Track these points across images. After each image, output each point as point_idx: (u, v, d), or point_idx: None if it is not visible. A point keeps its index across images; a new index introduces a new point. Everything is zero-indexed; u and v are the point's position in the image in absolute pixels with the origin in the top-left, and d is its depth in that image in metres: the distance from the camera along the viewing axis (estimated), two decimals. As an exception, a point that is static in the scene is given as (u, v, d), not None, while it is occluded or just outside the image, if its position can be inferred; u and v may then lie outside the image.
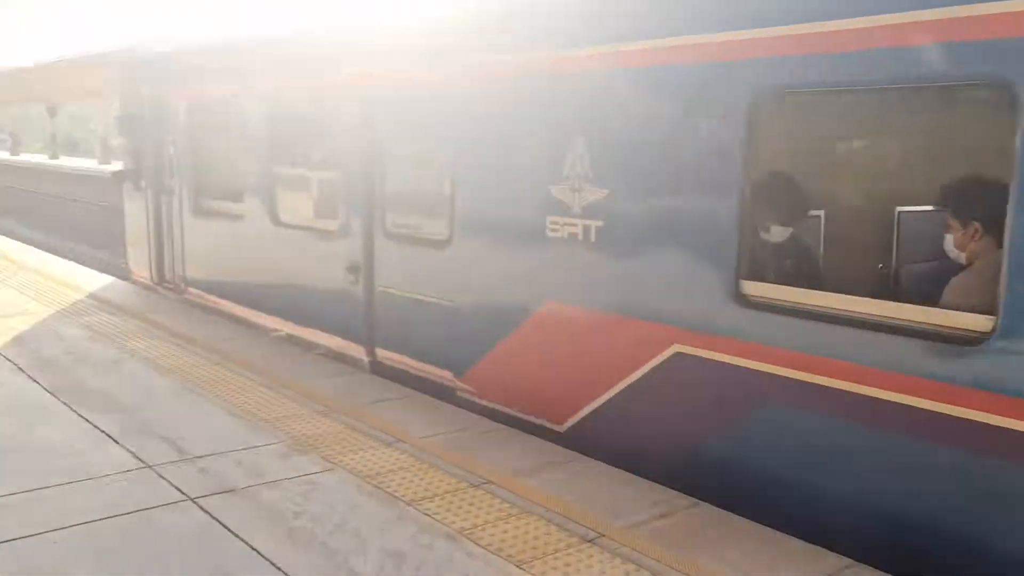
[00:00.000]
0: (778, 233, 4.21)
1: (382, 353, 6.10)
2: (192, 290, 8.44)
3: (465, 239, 5.23)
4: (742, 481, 3.83)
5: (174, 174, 8.52)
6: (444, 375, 5.51)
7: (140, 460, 3.99)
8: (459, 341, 5.35)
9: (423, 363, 5.70)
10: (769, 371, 3.68)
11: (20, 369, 5.49)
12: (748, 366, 3.75)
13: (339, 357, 6.27)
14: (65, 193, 41.05)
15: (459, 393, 5.38)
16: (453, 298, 5.35)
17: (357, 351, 6.27)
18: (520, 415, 4.92)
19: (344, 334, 6.42)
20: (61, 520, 3.32)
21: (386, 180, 5.91)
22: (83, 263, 12.04)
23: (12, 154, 63.83)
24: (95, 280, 9.40)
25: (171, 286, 8.83)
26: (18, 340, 6.29)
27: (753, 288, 3.75)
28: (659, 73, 4.06)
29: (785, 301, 3.65)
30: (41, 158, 59.51)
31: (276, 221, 7.00)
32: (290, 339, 6.75)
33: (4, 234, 16.95)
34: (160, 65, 8.85)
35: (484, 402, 5.17)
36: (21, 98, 59.13)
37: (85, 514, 3.39)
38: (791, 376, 3.61)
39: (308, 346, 6.49)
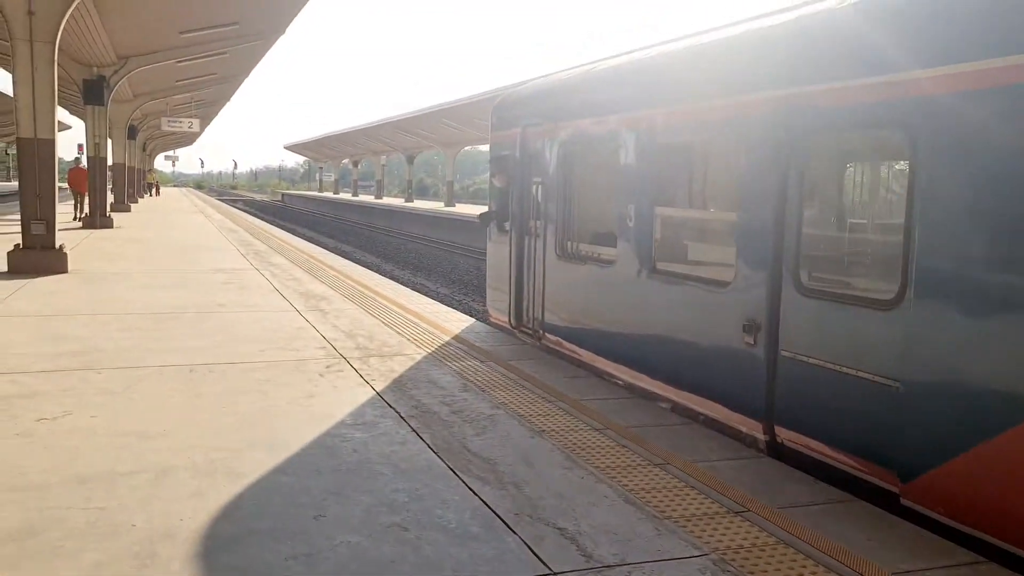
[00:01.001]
0: None
1: (785, 433, 5.00)
2: (550, 336, 8.03)
3: (931, 298, 3.99)
4: None
5: (539, 215, 8.22)
6: (879, 474, 4.27)
7: (543, 563, 3.31)
8: (912, 432, 4.09)
9: (846, 454, 4.51)
10: None
11: (403, 419, 5.26)
12: None
13: (716, 426, 5.30)
14: (418, 233, 45.57)
15: (905, 501, 4.11)
16: (903, 373, 4.11)
17: (749, 426, 5.24)
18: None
19: (732, 404, 5.44)
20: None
21: (804, 222, 4.86)
22: (437, 299, 12.66)
23: (376, 198, 73.20)
24: (454, 320, 9.44)
25: (528, 331, 8.53)
26: (399, 384, 6.18)
27: None
28: None
29: None
30: (399, 201, 67.44)
31: (651, 269, 6.26)
32: (661, 400, 5.92)
33: (371, 268, 18.75)
34: (530, 104, 8.69)
35: (954, 523, 3.85)
36: (387, 148, 67.42)
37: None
38: None
39: (681, 409, 5.61)
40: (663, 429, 5.27)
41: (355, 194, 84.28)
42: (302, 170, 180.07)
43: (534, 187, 8.62)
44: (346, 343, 7.74)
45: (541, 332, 8.24)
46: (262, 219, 40.31)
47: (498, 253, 9.42)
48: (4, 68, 13.88)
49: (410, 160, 67.73)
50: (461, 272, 29.03)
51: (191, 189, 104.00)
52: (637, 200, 6.48)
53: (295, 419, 5.21)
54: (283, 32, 23.29)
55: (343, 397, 5.80)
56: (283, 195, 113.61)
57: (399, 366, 6.81)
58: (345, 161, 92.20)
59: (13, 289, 10.54)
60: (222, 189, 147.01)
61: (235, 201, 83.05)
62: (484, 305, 21.75)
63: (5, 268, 12.22)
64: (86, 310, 9.15)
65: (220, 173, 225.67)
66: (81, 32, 19.15)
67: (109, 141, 27.53)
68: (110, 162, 29.08)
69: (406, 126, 54.12)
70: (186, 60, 25.32)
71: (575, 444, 4.85)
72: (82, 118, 24.48)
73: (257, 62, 29.66)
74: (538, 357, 7.48)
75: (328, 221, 60.97)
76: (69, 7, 12.20)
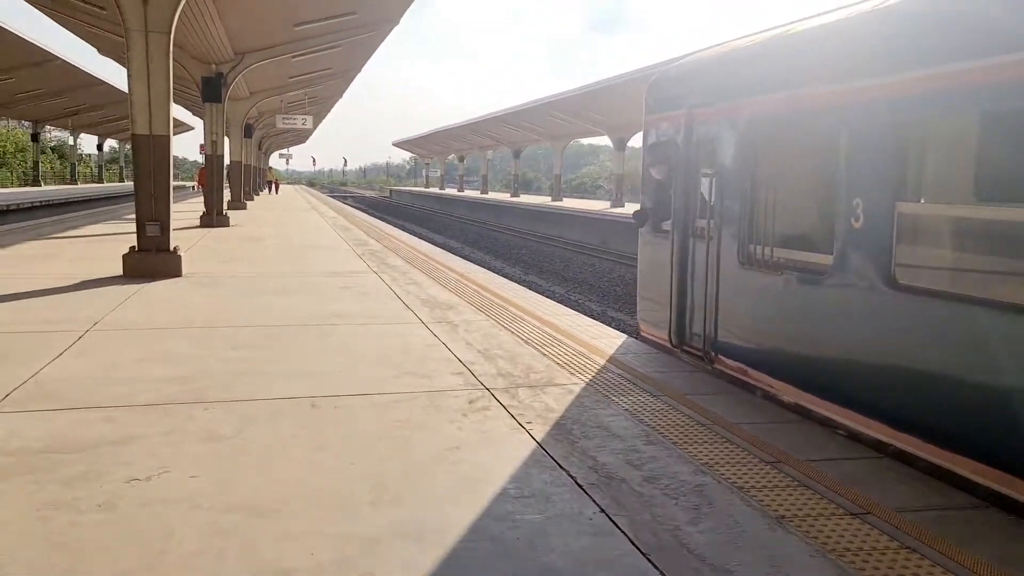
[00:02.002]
0: None
1: None
2: (727, 361, 6.60)
3: None
4: None
5: (712, 214, 6.80)
6: None
7: None
8: None
9: None
10: None
11: (582, 489, 3.98)
12: None
13: (977, 488, 3.78)
14: (525, 228, 44.51)
15: None
16: None
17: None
18: None
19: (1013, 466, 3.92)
20: None
21: None
22: (553, 299, 11.39)
23: (481, 192, 72.75)
24: (600, 336, 8.13)
25: (695, 352, 7.13)
26: (562, 431, 4.92)
27: None
28: None
29: None
30: (504, 196, 66.63)
31: (892, 282, 4.75)
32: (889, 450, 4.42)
33: (480, 264, 17.64)
34: (699, 79, 7.27)
35: None
36: (493, 143, 66.81)
37: None
38: None
39: (921, 464, 4.10)
40: (963, 515, 3.79)
41: (460, 189, 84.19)
42: (408, 167, 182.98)
43: (705, 180, 7.19)
44: (485, 367, 6.55)
45: (713, 354, 6.82)
46: (372, 215, 40.12)
47: (654, 258, 8.04)
48: (120, 63, 13.62)
49: (516, 154, 66.84)
50: (574, 270, 27.70)
51: (304, 187, 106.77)
52: (868, 193, 4.98)
53: (444, 486, 4.01)
54: (397, 22, 22.53)
55: (498, 450, 4.57)
56: (391, 191, 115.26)
57: (555, 402, 5.55)
58: (451, 157, 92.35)
59: (126, 296, 9.90)
60: (333, 186, 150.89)
61: (345, 197, 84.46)
62: (605, 307, 20.39)
63: (120, 272, 11.71)
64: (198, 321, 8.33)
65: (331, 171, 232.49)
66: (199, 28, 18.86)
67: (226, 139, 27.62)
68: (227, 160, 29.25)
69: (513, 120, 53.15)
70: (300, 55, 24.98)
71: (836, 542, 3.45)
72: (201, 117, 24.51)
73: (370, 55, 29.18)
74: (722, 389, 6.07)
75: (435, 216, 60.84)
76: (183, -4, 11.55)
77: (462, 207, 65.26)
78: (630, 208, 44.25)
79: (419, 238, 23.67)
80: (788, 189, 6.12)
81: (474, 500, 3.81)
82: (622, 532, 3.49)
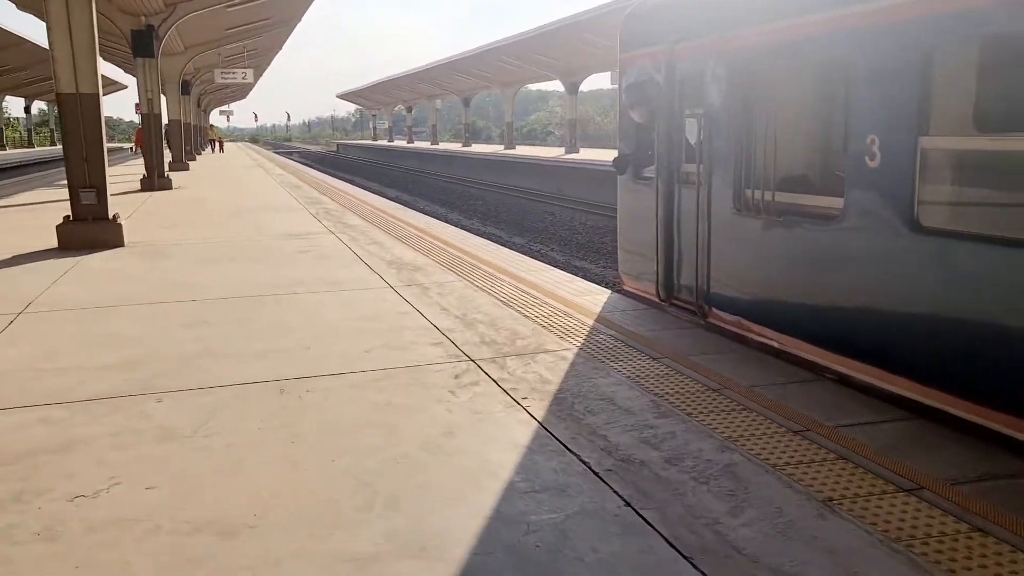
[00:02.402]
0: None
1: None
2: (722, 315, 6.19)
3: None
4: None
5: (701, 157, 6.30)
6: None
7: None
8: None
9: None
10: None
11: (599, 477, 3.51)
12: None
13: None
14: (478, 178, 43.66)
15: None
16: None
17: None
18: None
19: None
20: None
21: None
22: (515, 249, 10.83)
23: (431, 143, 71.31)
24: (583, 293, 7.65)
25: (686, 306, 6.71)
26: (563, 406, 4.44)
27: None
28: None
29: None
30: (455, 146, 65.39)
31: (914, 225, 4.33)
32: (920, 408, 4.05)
33: (438, 218, 16.95)
34: (682, 10, 6.69)
35: None
36: (442, 91, 65.19)
37: None
38: None
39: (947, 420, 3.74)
40: (1019, 484, 3.42)
41: (410, 140, 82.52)
42: (354, 119, 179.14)
43: (692, 121, 6.69)
44: (467, 335, 6.02)
45: (706, 308, 6.40)
46: (321, 170, 38.87)
47: (636, 207, 7.54)
48: (40, 18, 12.52)
49: (466, 103, 65.45)
50: (533, 219, 27.17)
51: (247, 144, 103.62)
52: (886, 129, 4.52)
53: (442, 483, 3.51)
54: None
55: (495, 432, 4.08)
56: (338, 145, 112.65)
57: (549, 371, 5.07)
58: (398, 107, 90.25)
59: (63, 270, 9.09)
60: (277, 142, 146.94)
61: (290, 153, 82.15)
62: (568, 257, 19.92)
63: (55, 244, 10.83)
64: (144, 297, 7.62)
65: (274, 126, 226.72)
66: (123, -25, 17.51)
67: (163, 97, 26.18)
68: (165, 119, 27.80)
69: (462, 66, 51.77)
70: (237, 4, 23.59)
71: (898, 528, 3.04)
72: (134, 74, 23.07)
73: (310, 2, 27.78)
74: (723, 347, 5.64)
75: (385, 170, 59.50)
76: (103, -63, 10.47)
77: (412, 159, 63.91)
78: (584, 154, 43.65)
79: (373, 193, 22.82)
80: (790, 129, 5.63)
81: (480, 499, 3.32)
82: (655, 530, 3.04)
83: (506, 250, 10.45)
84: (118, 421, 4.31)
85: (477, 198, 34.92)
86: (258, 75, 46.58)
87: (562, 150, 48.17)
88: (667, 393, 4.60)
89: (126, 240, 11.12)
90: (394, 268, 8.96)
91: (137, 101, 23.46)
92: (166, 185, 21.79)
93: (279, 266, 9.25)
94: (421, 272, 8.70)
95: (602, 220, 25.58)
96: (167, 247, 10.88)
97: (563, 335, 6.00)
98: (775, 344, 5.51)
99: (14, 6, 25.12)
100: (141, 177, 21.97)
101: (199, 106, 54.52)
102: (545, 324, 6.34)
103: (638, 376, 4.94)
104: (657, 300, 7.13)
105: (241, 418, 4.34)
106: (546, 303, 7.10)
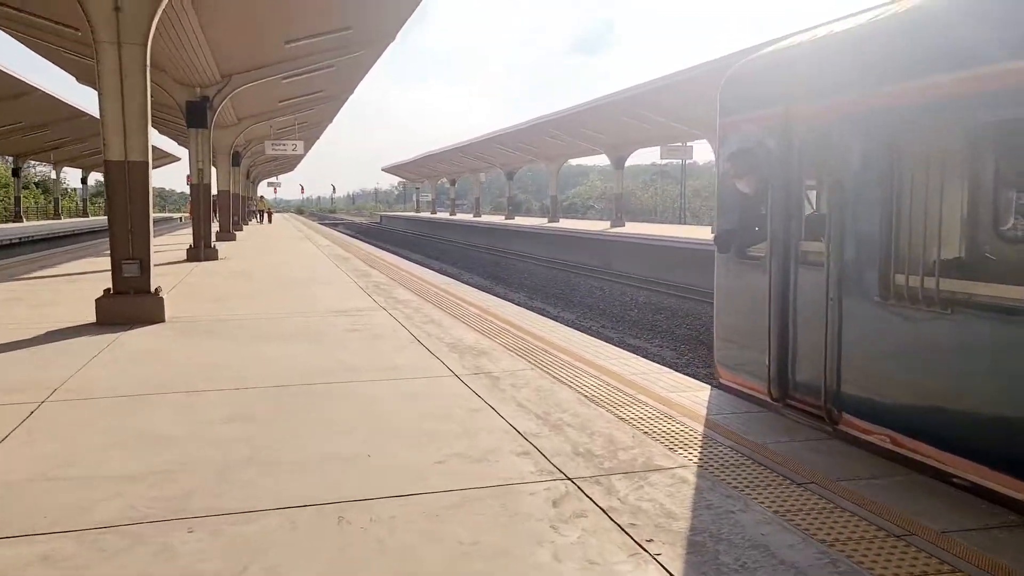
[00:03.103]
0: None
1: None
2: (859, 423, 5.13)
3: None
4: None
5: (829, 236, 5.35)
6: None
7: None
8: None
9: None
10: None
11: None
12: None
13: None
14: (523, 251, 43.12)
15: None
16: None
17: None
18: None
19: None
20: None
21: None
22: (565, 323, 9.81)
23: (474, 215, 71.42)
24: (676, 387, 6.66)
25: (805, 408, 5.67)
26: (702, 554, 3.41)
27: None
28: None
29: None
30: (498, 218, 65.32)
31: None
32: None
33: (482, 289, 16.01)
34: (805, 67, 5.84)
35: None
36: (485, 165, 65.55)
37: None
38: None
39: None
40: None
41: (452, 213, 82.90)
42: (396, 192, 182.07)
43: (818, 192, 5.78)
44: (555, 441, 5.04)
45: (836, 412, 5.35)
46: (366, 241, 38.64)
47: (740, 290, 6.58)
48: (91, 85, 12.32)
49: (509, 176, 65.59)
50: (582, 294, 26.31)
51: (293, 215, 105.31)
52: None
53: None
54: (393, 37, 21.19)
55: (626, 599, 3.08)
56: (381, 216, 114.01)
57: (671, 500, 4.05)
58: (441, 180, 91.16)
59: (97, 350, 8.35)
60: (322, 214, 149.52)
61: (335, 224, 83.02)
62: (622, 335, 18.87)
63: (93, 319, 10.16)
64: (182, 383, 6.80)
65: (319, 198, 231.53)
66: (180, 43, 17.45)
67: (213, 169, 26.18)
68: (214, 190, 27.79)
69: (507, 140, 51.89)
70: (291, 76, 23.60)
71: None
72: (187, 147, 23.05)
73: (364, 74, 27.82)
74: (882, 470, 4.57)
75: (429, 241, 59.49)
76: (161, 3, 10.12)
77: (456, 231, 63.90)
78: (630, 227, 42.94)
79: (421, 266, 22.18)
80: (963, 201, 4.67)
81: None
82: None
83: (578, 333, 9.50)
84: (135, 563, 3.38)
85: (523, 272, 34.26)
86: (308, 147, 47.13)
87: (606, 224, 47.56)
88: (837, 540, 3.56)
89: (168, 315, 10.43)
90: (456, 352, 8.06)
91: (188, 173, 23.38)
92: (212, 256, 21.41)
93: (329, 347, 8.41)
94: (487, 358, 7.78)
95: (654, 296, 24.61)
96: (210, 323, 10.14)
97: (672, 445, 4.98)
98: (949, 469, 4.43)
99: (74, 79, 25.52)
100: (188, 247, 21.64)
101: (248, 177, 55.30)
102: (646, 429, 5.34)
103: (788, 511, 3.90)
104: (769, 399, 6.10)
105: (292, 562, 3.39)
106: (639, 401, 6.10)
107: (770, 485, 4.25)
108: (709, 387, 6.59)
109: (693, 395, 6.33)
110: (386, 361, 7.69)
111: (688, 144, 38.56)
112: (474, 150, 59.50)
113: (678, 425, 5.44)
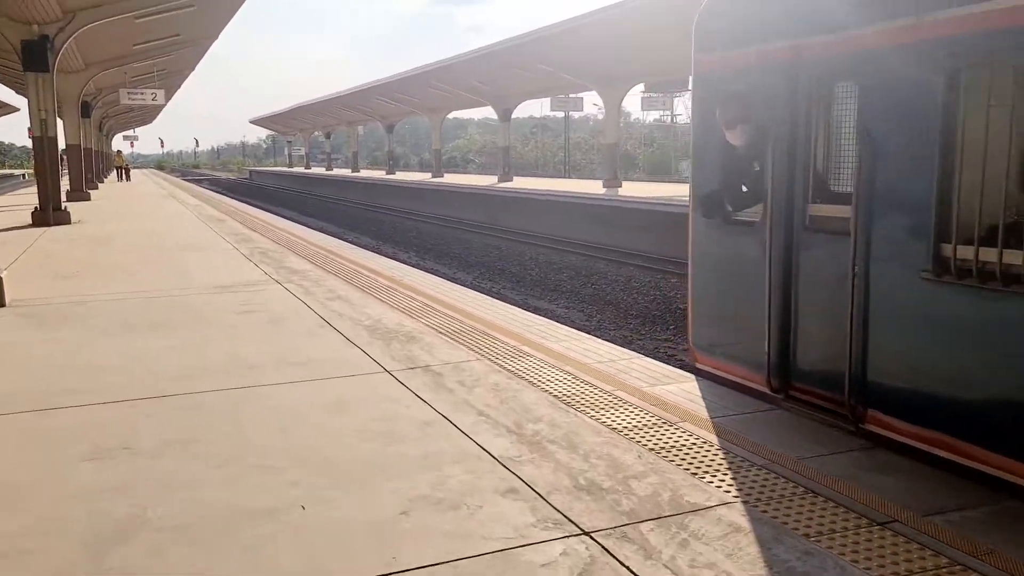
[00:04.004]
0: None
1: None
2: (893, 422, 4.28)
3: None
4: None
5: (858, 196, 4.40)
6: None
7: None
8: None
9: None
10: None
11: None
12: None
13: None
14: (406, 208, 41.39)
15: None
16: None
17: None
18: None
19: None
20: None
21: None
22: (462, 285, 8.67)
23: (352, 171, 68.60)
24: (635, 370, 5.65)
25: (816, 401, 4.80)
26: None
27: None
28: None
29: None
30: (378, 173, 62.89)
31: None
32: None
33: (372, 250, 14.56)
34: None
35: None
36: (364, 117, 62.72)
37: None
38: None
39: None
40: None
41: (329, 168, 79.44)
42: (265, 146, 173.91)
43: (829, 143, 4.82)
44: (544, 471, 3.90)
45: (862, 409, 4.48)
46: (238, 199, 35.87)
47: (727, 262, 5.59)
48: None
49: (389, 129, 63.14)
50: (476, 253, 25.17)
51: (152, 171, 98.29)
52: None
53: None
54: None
55: None
56: (250, 172, 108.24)
57: (737, 567, 3.01)
58: (316, 133, 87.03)
59: (-90, 349, 6.51)
60: (185, 169, 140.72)
61: (200, 180, 77.87)
62: (525, 296, 17.90)
63: (-92, 305, 8.15)
64: (25, 399, 5.19)
65: (180, 153, 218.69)
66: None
67: (60, 120, 23.10)
68: (62, 144, 24.64)
69: (388, 91, 49.46)
70: (146, 15, 20.88)
71: None
72: (26, 95, 20.01)
73: (229, 17, 25.21)
74: (973, 497, 3.69)
75: (307, 199, 56.57)
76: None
77: (334, 187, 61.09)
78: (518, 182, 41.92)
79: (299, 224, 20.34)
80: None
81: None
82: None
83: (510, 307, 8.35)
84: None
85: (412, 230, 32.71)
86: (169, 96, 43.25)
87: (493, 178, 46.39)
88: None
89: (7, 297, 8.53)
90: (379, 339, 6.75)
91: (30, 125, 20.36)
92: (64, 219, 18.81)
93: (220, 337, 6.91)
94: (418, 345, 6.52)
95: (554, 254, 23.76)
96: (62, 307, 8.34)
97: (691, 467, 3.95)
98: (987, 467, 3.61)
99: None
100: (33, 210, 18.92)
101: (101, 130, 50.47)
102: (648, 443, 4.28)
103: (881, 567, 2.93)
104: (764, 389, 5.18)
105: None
106: (621, 401, 5.04)
107: (847, 529, 3.28)
108: (693, 377, 5.61)
109: (678, 388, 5.33)
110: (296, 354, 6.30)
111: (577, 96, 37.75)
112: (353, 101, 56.62)
113: (683, 435, 4.42)
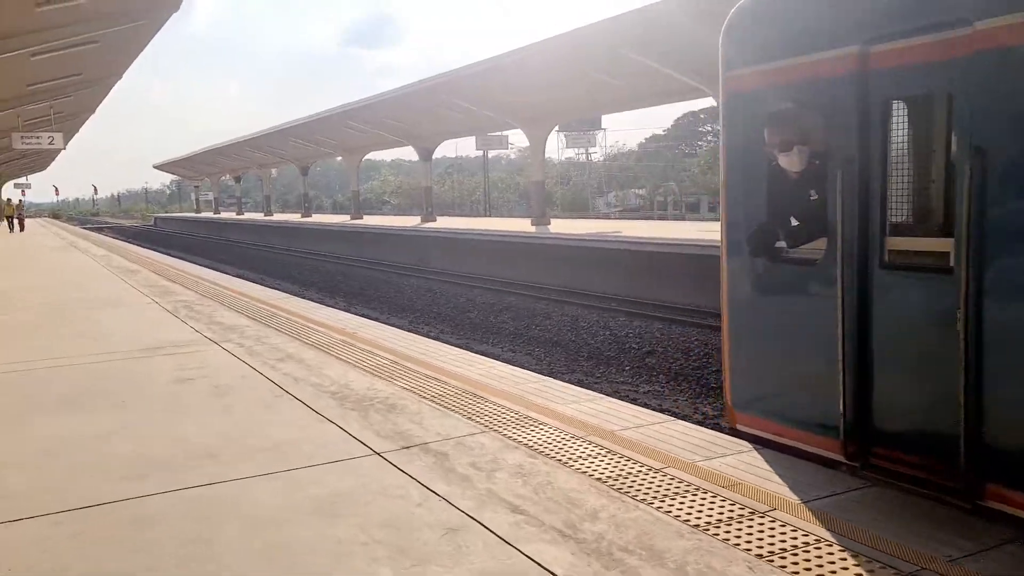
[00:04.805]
0: None
1: None
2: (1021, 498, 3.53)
3: None
4: None
5: (968, 229, 3.68)
6: None
7: None
8: None
9: None
10: None
11: None
12: None
13: None
14: (328, 251, 39.91)
15: None
16: None
17: None
18: None
19: None
20: None
21: None
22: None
23: (265, 215, 66.39)
24: (676, 437, 4.77)
25: (911, 472, 4.02)
26: None
27: None
28: None
29: None
30: (294, 217, 60.95)
31: None
32: None
33: (295, 295, 13.31)
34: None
35: None
36: (277, 160, 60.85)
37: None
38: None
39: None
40: None
41: (240, 212, 76.73)
42: (169, 191, 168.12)
43: (937, 163, 4.11)
44: (638, 597, 2.94)
45: (979, 485, 3.71)
46: (147, 248, 33.67)
47: (781, 305, 4.80)
48: None
49: (304, 171, 61.36)
50: (408, 296, 24.03)
51: (49, 220, 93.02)
52: None
53: None
54: (177, 7, 17.68)
55: None
56: (155, 218, 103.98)
57: None
58: (225, 177, 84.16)
59: None
60: (83, 216, 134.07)
61: (101, 228, 73.94)
62: (467, 340, 16.89)
63: None
64: (-95, 520, 3.90)
65: (77, 200, 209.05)
66: None
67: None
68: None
69: (303, 133, 47.95)
70: (45, 51, 19.18)
71: None
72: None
73: (135, 56, 23.62)
74: None
75: (218, 245, 54.17)
76: None
77: (248, 232, 58.77)
78: (442, 222, 41.00)
79: (220, 273, 18.83)
80: None
81: None
82: None
83: (492, 361, 7.35)
84: None
85: (337, 274, 31.29)
86: (67, 140, 40.65)
87: (415, 219, 45.36)
88: None
89: None
90: (352, 408, 5.65)
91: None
92: (-51, 275, 16.79)
93: (157, 415, 5.67)
94: (402, 415, 5.46)
95: (490, 295, 22.85)
96: (-47, 384, 6.89)
97: (822, 579, 3.05)
98: None
99: None
100: (-87, 266, 16.85)
101: (-10, 178, 47.06)
102: (755, 550, 3.36)
103: None
104: (839, 458, 4.37)
105: None
106: (683, 482, 4.11)
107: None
108: (749, 446, 4.73)
109: (737, 460, 4.45)
110: (255, 434, 5.14)
111: (503, 134, 37.31)
112: (266, 142, 54.72)
113: (785, 529, 3.52)
